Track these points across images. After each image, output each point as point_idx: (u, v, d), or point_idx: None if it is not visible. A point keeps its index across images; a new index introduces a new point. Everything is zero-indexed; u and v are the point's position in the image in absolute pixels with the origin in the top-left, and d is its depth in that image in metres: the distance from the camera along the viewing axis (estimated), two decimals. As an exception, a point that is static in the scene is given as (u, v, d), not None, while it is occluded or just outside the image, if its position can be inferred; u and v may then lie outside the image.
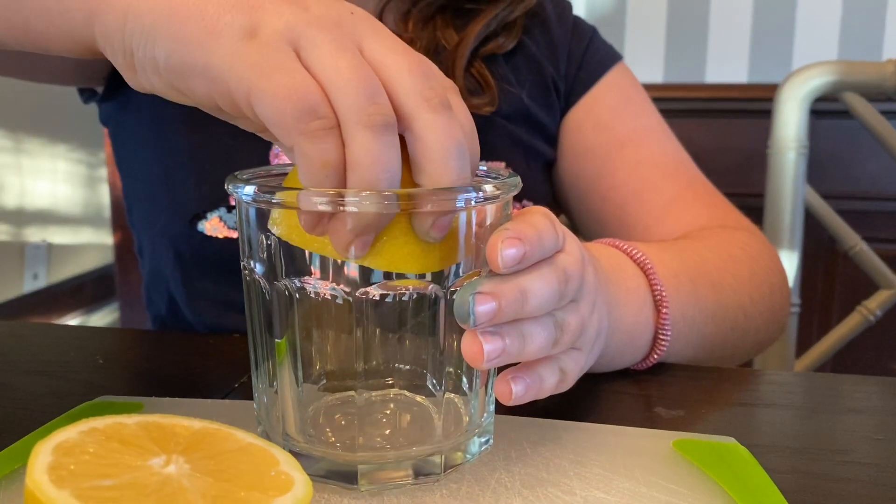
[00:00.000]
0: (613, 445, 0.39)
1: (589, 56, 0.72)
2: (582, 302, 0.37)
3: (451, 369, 0.35)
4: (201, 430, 0.31)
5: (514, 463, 0.37)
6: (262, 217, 0.33)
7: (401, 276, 0.33)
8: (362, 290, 0.32)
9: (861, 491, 0.36)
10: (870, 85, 0.88)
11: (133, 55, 0.33)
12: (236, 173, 0.35)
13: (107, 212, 2.21)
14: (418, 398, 0.36)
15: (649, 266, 0.49)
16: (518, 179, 0.35)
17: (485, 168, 0.36)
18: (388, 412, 0.36)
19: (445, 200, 0.31)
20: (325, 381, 0.36)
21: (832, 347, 0.93)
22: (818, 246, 1.45)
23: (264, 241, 0.33)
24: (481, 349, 0.32)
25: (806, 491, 0.36)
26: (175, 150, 0.65)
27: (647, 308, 0.48)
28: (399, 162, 0.30)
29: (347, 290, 0.32)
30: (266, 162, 0.62)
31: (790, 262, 0.89)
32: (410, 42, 0.66)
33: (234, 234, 0.62)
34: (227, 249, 0.62)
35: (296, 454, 0.32)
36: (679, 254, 0.55)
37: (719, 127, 1.59)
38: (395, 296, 0.33)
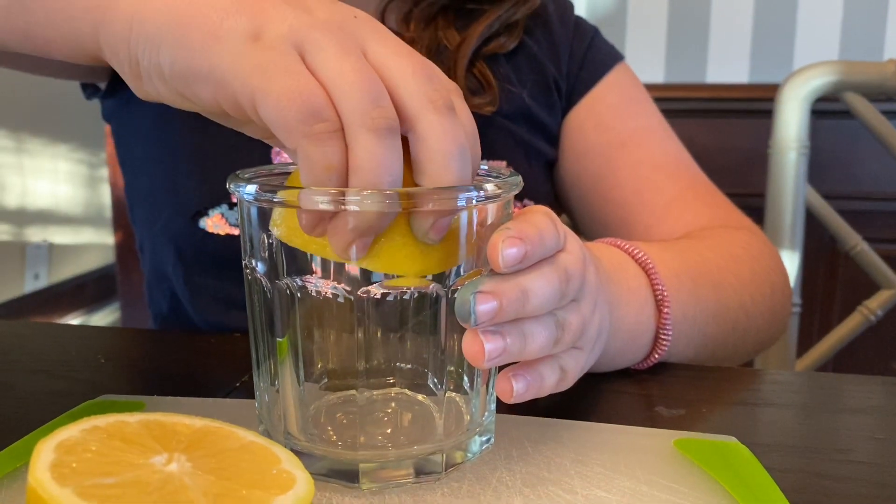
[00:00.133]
0: (615, 444, 0.39)
1: (590, 56, 0.72)
2: (583, 301, 0.37)
3: (452, 368, 0.35)
4: (203, 428, 0.31)
5: (516, 462, 0.37)
6: (264, 216, 0.33)
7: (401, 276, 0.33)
8: (364, 288, 0.32)
9: (862, 490, 0.36)
10: (871, 85, 0.88)
11: (138, 64, 0.33)
12: (237, 172, 0.35)
13: (108, 212, 2.21)
14: (419, 397, 0.36)
15: (651, 266, 0.49)
16: (519, 178, 0.35)
17: (486, 167, 0.36)
18: (389, 411, 0.36)
19: (446, 199, 0.31)
20: (326, 379, 0.36)
21: (833, 347, 0.93)
22: (819, 246, 1.45)
23: (266, 240, 0.33)
24: (482, 348, 0.32)
25: (807, 490, 0.36)
26: (177, 146, 0.65)
27: (649, 308, 0.48)
28: (401, 165, 0.30)
29: (349, 288, 0.32)
30: (268, 159, 0.62)
31: (791, 262, 0.89)
32: (412, 42, 0.66)
33: (236, 231, 0.62)
34: (229, 246, 0.62)
35: (297, 453, 0.32)
36: (680, 253, 0.55)
37: (720, 127, 1.59)
38: (396, 295, 0.33)
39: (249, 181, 0.33)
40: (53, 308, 2.08)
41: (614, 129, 0.69)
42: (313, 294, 0.33)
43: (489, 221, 0.33)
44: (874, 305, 0.92)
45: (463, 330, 0.33)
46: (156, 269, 0.69)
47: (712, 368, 0.52)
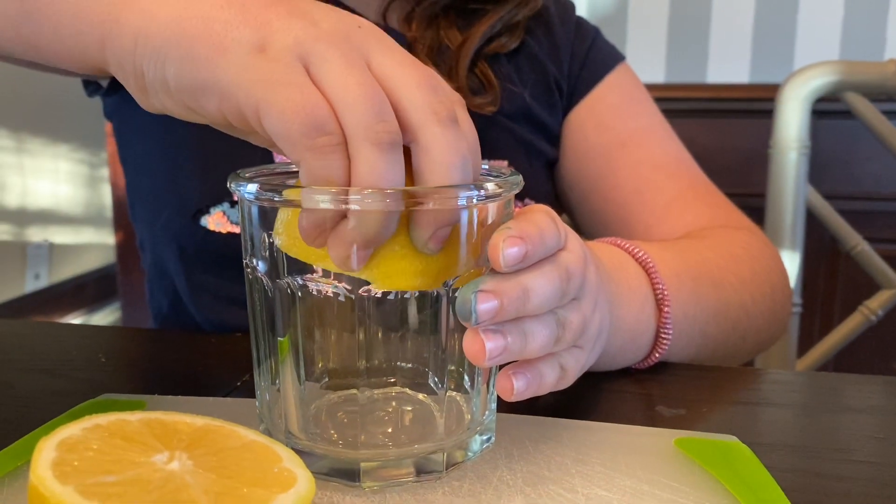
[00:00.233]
0: (615, 443, 0.39)
1: (591, 56, 0.72)
2: (584, 300, 0.37)
3: (452, 367, 0.35)
4: (204, 427, 0.31)
5: (516, 461, 0.37)
6: (265, 215, 0.33)
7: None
8: (364, 287, 0.32)
9: (862, 489, 0.36)
10: (871, 85, 0.88)
11: (144, 77, 0.33)
12: (238, 171, 0.35)
13: (108, 212, 2.21)
14: (420, 396, 0.37)
15: (651, 265, 0.49)
16: (520, 178, 0.35)
17: (486, 166, 0.36)
18: (390, 410, 0.36)
19: (447, 198, 0.31)
20: (327, 378, 0.37)
21: (834, 347, 0.93)
22: (820, 246, 1.45)
23: (266, 239, 0.33)
24: (483, 347, 0.32)
25: (807, 489, 0.36)
26: (179, 144, 0.65)
27: (649, 307, 0.48)
28: (403, 180, 0.31)
29: (349, 287, 0.32)
30: (270, 158, 0.62)
31: (792, 263, 0.90)
32: (413, 41, 0.66)
33: (238, 230, 0.62)
34: (231, 244, 0.62)
35: (298, 452, 0.32)
36: (680, 253, 0.55)
37: (721, 127, 1.59)
38: (397, 294, 0.33)
39: (250, 180, 0.33)
40: (54, 308, 2.08)
41: (615, 129, 0.69)
42: (314, 293, 0.33)
43: (490, 221, 0.33)
44: (875, 305, 0.92)
45: (463, 329, 0.33)
46: (156, 268, 0.69)
47: (713, 368, 0.52)
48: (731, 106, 1.60)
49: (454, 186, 0.31)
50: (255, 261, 0.34)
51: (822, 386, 0.52)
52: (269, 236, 0.33)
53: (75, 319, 2.15)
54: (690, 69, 1.76)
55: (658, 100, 0.74)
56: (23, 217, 1.97)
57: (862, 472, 0.38)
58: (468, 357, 0.33)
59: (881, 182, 1.54)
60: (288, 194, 0.31)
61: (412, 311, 0.34)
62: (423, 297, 0.34)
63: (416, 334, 0.35)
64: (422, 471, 0.34)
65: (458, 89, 0.63)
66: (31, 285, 2.02)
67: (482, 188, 0.32)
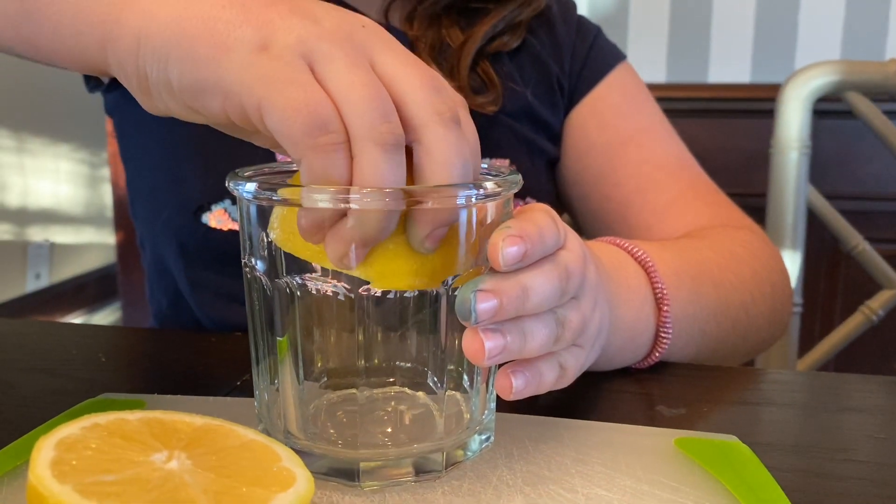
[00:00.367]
0: (615, 443, 0.39)
1: (593, 55, 0.72)
2: (583, 299, 0.37)
3: (452, 367, 0.35)
4: (203, 426, 0.31)
5: (516, 460, 0.37)
6: (264, 214, 0.33)
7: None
8: (364, 287, 0.32)
9: (862, 489, 0.36)
10: (872, 85, 0.88)
11: (147, 78, 0.33)
12: (237, 170, 0.35)
13: (109, 211, 2.21)
14: (419, 395, 0.36)
15: (650, 264, 0.49)
16: (519, 177, 0.35)
17: (485, 165, 0.36)
18: (389, 409, 0.36)
19: (446, 197, 0.31)
20: (326, 378, 0.36)
21: (834, 347, 0.93)
22: (821, 246, 1.45)
23: (265, 239, 0.33)
24: (482, 346, 0.32)
25: (807, 489, 0.36)
26: (180, 141, 0.65)
27: (648, 306, 0.48)
28: (404, 180, 0.31)
29: (349, 287, 0.32)
30: (271, 155, 0.62)
31: (793, 262, 0.89)
32: (415, 40, 0.66)
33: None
34: (232, 242, 0.62)
35: (297, 452, 0.32)
36: (680, 252, 0.55)
37: (722, 127, 1.58)
38: (396, 293, 0.33)
39: (249, 179, 0.33)
40: (55, 308, 2.08)
41: (616, 129, 0.69)
42: (313, 292, 0.33)
43: (489, 220, 0.33)
44: (875, 305, 0.92)
45: (463, 328, 0.33)
46: (157, 265, 0.69)
47: (713, 368, 0.52)
48: (732, 106, 1.59)
49: (453, 186, 0.31)
50: (253, 260, 0.34)
51: (823, 386, 0.52)
52: (268, 235, 0.33)
53: (76, 319, 2.15)
54: (691, 69, 1.76)
55: (659, 99, 0.74)
56: (23, 217, 1.97)
57: (862, 472, 0.38)
58: (467, 356, 0.33)
59: (882, 182, 1.54)
60: (287, 193, 0.31)
61: (411, 310, 0.34)
62: (422, 296, 0.34)
63: (416, 334, 0.35)
64: (421, 470, 0.34)
65: (459, 88, 0.63)
66: (31, 285, 2.02)
67: (481, 187, 0.32)
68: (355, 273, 0.32)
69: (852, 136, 1.49)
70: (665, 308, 0.49)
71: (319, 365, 0.36)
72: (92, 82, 0.71)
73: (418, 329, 0.34)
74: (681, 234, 0.64)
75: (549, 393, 0.37)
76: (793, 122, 0.88)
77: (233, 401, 0.44)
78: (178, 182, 0.65)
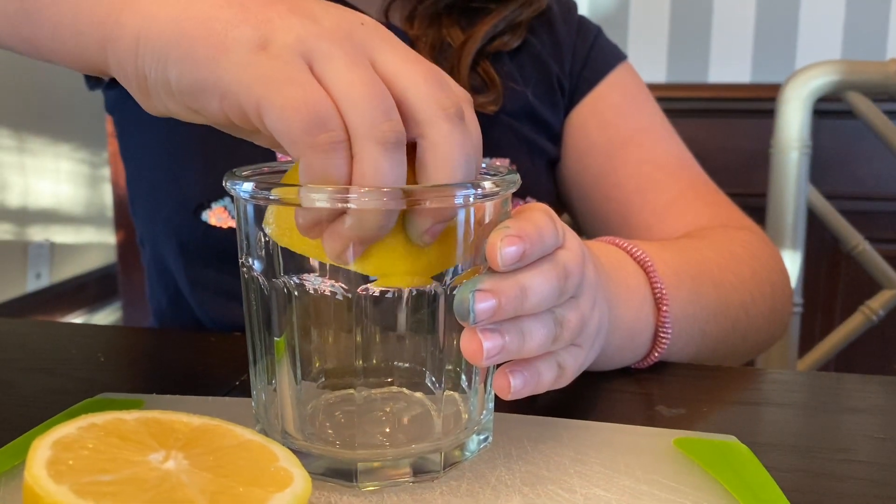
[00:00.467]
0: (614, 443, 0.39)
1: (593, 55, 0.72)
2: (582, 298, 0.36)
3: (450, 367, 0.35)
4: (201, 426, 0.31)
5: (515, 461, 0.37)
6: (261, 214, 0.33)
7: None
8: (362, 286, 0.32)
9: (862, 490, 0.36)
10: (873, 84, 0.88)
11: (146, 79, 0.33)
12: (235, 170, 0.35)
13: (110, 211, 2.21)
14: (417, 396, 0.36)
15: (649, 264, 0.49)
16: (517, 176, 0.34)
17: (484, 165, 0.36)
18: (387, 410, 0.36)
19: (445, 196, 0.31)
20: (324, 378, 0.36)
21: (835, 347, 0.93)
22: (821, 246, 1.45)
23: (262, 238, 0.33)
24: (481, 346, 0.32)
25: (807, 489, 0.36)
26: (180, 138, 0.65)
27: (648, 306, 0.48)
28: (405, 179, 0.30)
29: (346, 287, 0.32)
30: (271, 153, 0.62)
31: (793, 262, 0.89)
32: (415, 40, 0.66)
33: None
34: (232, 240, 0.62)
35: (295, 452, 0.32)
36: (680, 252, 0.55)
37: (722, 127, 1.58)
38: (394, 293, 0.33)
39: (246, 179, 0.33)
40: (55, 307, 2.08)
41: (616, 128, 0.69)
42: (311, 292, 0.33)
43: (487, 219, 0.33)
44: (876, 305, 0.92)
45: (461, 328, 0.33)
46: (157, 263, 0.69)
47: (713, 368, 0.52)
48: (733, 106, 1.59)
49: (451, 185, 0.31)
50: (250, 260, 0.34)
51: (822, 386, 0.52)
52: (265, 235, 0.33)
53: (76, 319, 2.15)
54: (692, 69, 1.76)
55: (659, 99, 0.73)
56: (24, 216, 1.97)
57: (862, 472, 0.38)
58: (466, 356, 0.32)
59: (883, 182, 1.54)
60: (285, 193, 0.31)
61: (409, 310, 0.34)
62: (420, 296, 0.34)
63: (414, 334, 0.35)
64: (419, 471, 0.34)
65: (459, 88, 0.63)
66: (32, 285, 2.02)
67: (479, 187, 0.31)
68: (352, 267, 0.31)
69: (853, 135, 1.49)
70: (664, 308, 0.49)
71: (317, 365, 0.36)
72: (92, 80, 0.71)
73: (416, 329, 0.34)
74: (681, 235, 0.63)
75: (548, 393, 0.37)
76: (793, 122, 0.88)
77: (232, 401, 0.44)
78: (178, 180, 0.65)
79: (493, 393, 0.36)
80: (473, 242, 0.33)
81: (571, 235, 0.37)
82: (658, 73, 1.77)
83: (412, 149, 0.32)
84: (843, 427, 0.44)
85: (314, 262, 0.33)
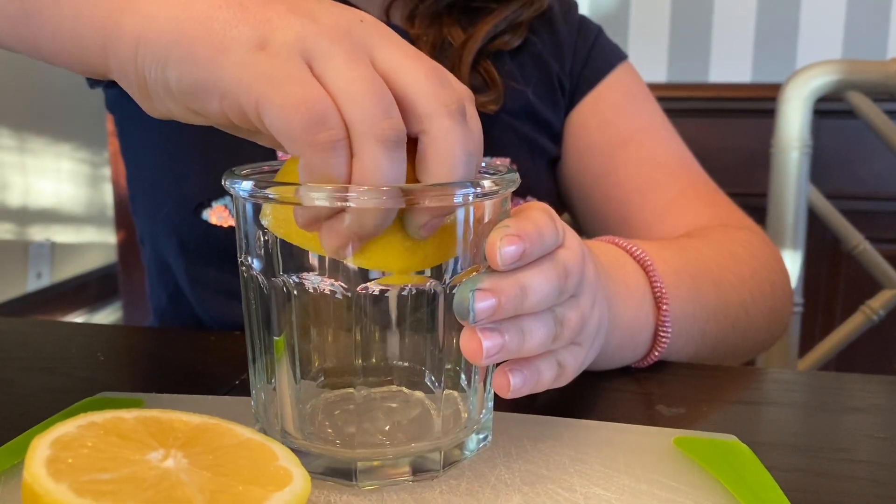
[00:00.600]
0: (614, 442, 0.39)
1: (594, 54, 0.72)
2: (582, 297, 0.36)
3: (449, 366, 0.35)
4: (200, 425, 0.31)
5: (515, 460, 0.37)
6: (259, 213, 0.33)
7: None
8: (361, 285, 0.32)
9: (862, 489, 0.36)
10: (874, 84, 0.87)
11: (146, 81, 0.33)
12: (234, 169, 0.35)
13: (110, 211, 2.21)
14: (417, 395, 0.36)
15: (649, 263, 0.49)
16: (516, 175, 0.34)
17: (484, 164, 0.36)
18: (386, 409, 0.36)
19: (444, 196, 0.31)
20: (323, 377, 0.36)
21: (835, 347, 0.93)
22: (822, 246, 1.44)
23: (261, 237, 0.33)
24: (480, 346, 0.32)
25: (807, 489, 0.36)
26: (181, 137, 0.65)
27: (647, 305, 0.48)
28: (404, 177, 0.30)
29: (346, 286, 0.32)
30: (272, 152, 0.62)
31: (793, 262, 0.89)
32: (416, 39, 0.66)
33: None
34: (232, 238, 0.62)
35: (294, 451, 0.32)
36: (680, 251, 0.55)
37: (723, 126, 1.58)
38: (394, 292, 0.33)
39: (245, 178, 0.33)
40: (56, 307, 2.08)
41: (617, 128, 0.69)
42: (310, 291, 0.33)
43: (486, 218, 0.33)
44: (876, 305, 0.92)
45: (461, 327, 0.33)
46: (157, 261, 0.69)
47: (713, 367, 0.52)
48: (733, 105, 1.59)
49: (451, 185, 0.31)
50: (250, 259, 0.34)
51: (823, 385, 0.52)
52: (265, 234, 0.33)
53: (77, 318, 2.15)
54: (692, 69, 1.76)
55: (660, 99, 0.73)
56: (25, 216, 1.97)
57: (863, 471, 0.38)
58: (465, 355, 0.32)
59: (883, 182, 1.54)
60: (284, 192, 0.31)
61: (409, 309, 0.34)
62: (420, 295, 0.33)
63: (413, 333, 0.35)
64: (419, 470, 0.34)
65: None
66: (33, 284, 2.03)
67: (478, 186, 0.31)
68: (347, 261, 0.31)
69: (853, 135, 1.49)
70: (664, 307, 0.49)
71: (316, 364, 0.36)
72: (92, 79, 0.71)
73: (416, 328, 0.34)
74: (681, 234, 0.63)
75: (548, 392, 0.37)
76: (794, 122, 0.88)
77: (231, 400, 0.44)
78: (179, 178, 0.65)
79: (492, 392, 0.36)
80: (473, 241, 0.33)
81: (571, 234, 0.37)
82: (659, 73, 1.77)
83: (412, 143, 0.31)
84: (844, 427, 0.44)
85: (314, 261, 0.33)
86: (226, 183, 0.33)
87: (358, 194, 0.29)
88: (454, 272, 0.33)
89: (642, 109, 0.71)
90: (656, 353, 0.49)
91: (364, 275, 0.32)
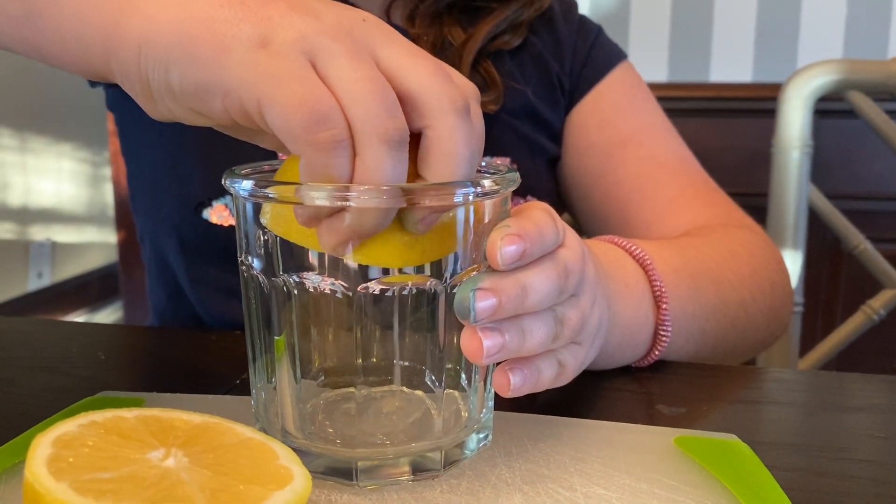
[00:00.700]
0: (614, 442, 0.39)
1: (594, 54, 0.72)
2: (582, 296, 0.36)
3: (450, 365, 0.35)
4: (201, 424, 0.31)
5: (515, 459, 0.37)
6: (259, 212, 0.33)
7: (402, 270, 0.33)
8: (362, 285, 0.32)
9: (863, 489, 0.36)
10: (874, 84, 0.87)
11: (149, 83, 0.33)
12: (234, 168, 0.35)
13: (111, 210, 2.21)
14: (417, 394, 0.36)
15: (648, 262, 0.49)
16: (516, 175, 0.34)
17: (484, 164, 0.36)
18: (387, 408, 0.36)
19: (444, 195, 0.31)
20: (323, 377, 0.36)
21: (836, 347, 0.93)
22: (822, 245, 1.44)
23: (262, 237, 0.33)
24: (481, 345, 0.32)
25: (807, 488, 0.36)
26: (181, 136, 0.65)
27: (647, 304, 0.48)
28: (406, 177, 0.30)
29: (346, 285, 0.32)
30: (272, 152, 0.62)
31: (794, 262, 0.89)
32: (416, 38, 0.66)
33: None
34: (232, 237, 0.62)
35: (295, 450, 0.32)
36: (679, 250, 0.55)
37: (723, 126, 1.58)
38: (394, 291, 0.33)
39: (245, 177, 0.33)
40: (56, 306, 2.08)
41: (616, 127, 0.69)
42: (310, 290, 0.33)
43: (486, 218, 0.33)
44: (877, 305, 0.92)
45: (461, 326, 0.33)
46: (157, 260, 0.69)
47: (713, 366, 0.52)
48: (734, 105, 1.59)
49: (450, 184, 0.31)
50: (250, 258, 0.34)
51: (823, 385, 0.52)
52: (265, 233, 0.33)
53: (78, 318, 2.16)
54: (693, 68, 1.76)
55: (660, 99, 0.73)
56: (26, 216, 1.98)
57: (863, 471, 0.38)
58: (466, 355, 0.32)
59: (884, 181, 1.54)
60: (284, 191, 0.31)
61: (409, 308, 0.34)
62: (420, 294, 0.34)
63: (414, 332, 0.35)
64: (419, 469, 0.34)
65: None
66: (34, 284, 2.03)
67: (478, 185, 0.31)
68: (347, 258, 0.31)
69: (854, 135, 1.49)
70: (664, 306, 0.49)
71: (317, 363, 0.36)
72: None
73: (416, 327, 0.34)
74: (680, 233, 0.63)
75: (548, 391, 0.37)
76: (794, 122, 0.88)
77: (232, 399, 0.44)
78: (179, 177, 0.65)
79: (493, 391, 0.36)
80: (473, 241, 0.33)
81: (571, 234, 0.37)
82: (659, 73, 1.77)
83: (414, 138, 0.31)
84: (844, 426, 0.44)
85: (314, 261, 0.33)
86: (226, 182, 0.33)
87: (358, 194, 0.29)
88: (454, 272, 0.33)
89: (642, 109, 0.71)
90: (656, 353, 0.49)
91: (365, 274, 0.32)
